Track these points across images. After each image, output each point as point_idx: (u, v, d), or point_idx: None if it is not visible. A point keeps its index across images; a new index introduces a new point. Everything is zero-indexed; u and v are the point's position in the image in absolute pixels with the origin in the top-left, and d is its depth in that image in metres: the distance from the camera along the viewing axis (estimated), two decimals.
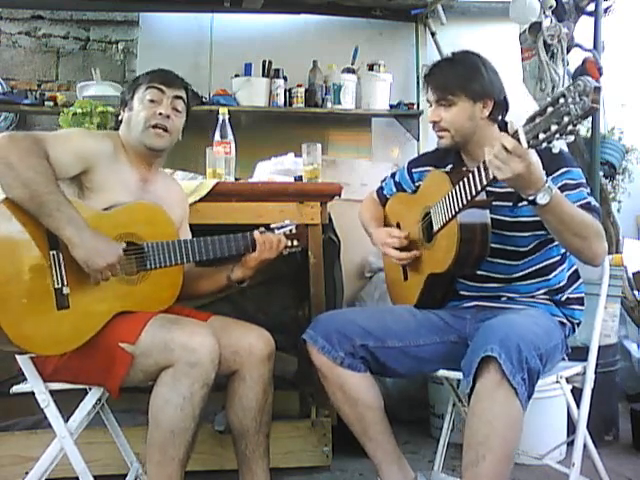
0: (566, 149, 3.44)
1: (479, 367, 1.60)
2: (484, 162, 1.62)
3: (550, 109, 1.42)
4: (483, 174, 1.65)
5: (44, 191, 1.64)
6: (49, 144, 1.72)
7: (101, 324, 1.75)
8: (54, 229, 1.65)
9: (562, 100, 1.39)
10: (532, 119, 1.47)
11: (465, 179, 1.71)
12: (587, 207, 1.75)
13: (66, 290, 1.69)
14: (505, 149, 1.51)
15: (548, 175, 1.78)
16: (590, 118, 3.52)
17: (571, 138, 1.43)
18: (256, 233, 1.96)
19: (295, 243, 2.04)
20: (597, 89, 1.34)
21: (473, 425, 1.60)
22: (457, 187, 1.74)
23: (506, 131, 1.53)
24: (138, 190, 1.92)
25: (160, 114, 1.90)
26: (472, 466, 1.57)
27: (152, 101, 1.91)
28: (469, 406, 1.63)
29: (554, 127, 1.41)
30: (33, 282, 1.66)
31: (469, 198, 1.71)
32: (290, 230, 2.03)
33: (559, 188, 1.76)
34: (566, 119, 1.39)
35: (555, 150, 1.48)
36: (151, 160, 1.97)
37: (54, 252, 1.69)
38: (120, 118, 1.98)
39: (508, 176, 1.53)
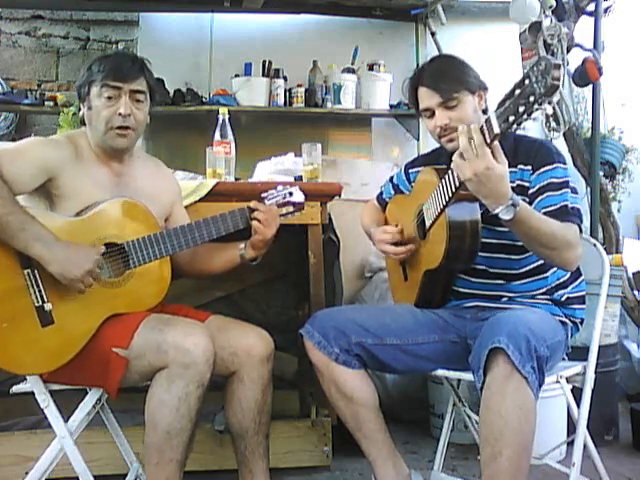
0: (565, 148, 3.49)
1: (488, 360, 1.60)
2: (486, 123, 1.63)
3: (517, 91, 1.47)
4: (487, 132, 1.64)
5: (2, 213, 1.60)
6: (2, 161, 1.67)
7: (91, 332, 1.73)
8: (22, 249, 1.62)
9: (527, 81, 1.44)
10: (502, 103, 1.50)
11: (450, 171, 1.72)
12: (564, 211, 1.77)
13: (48, 306, 1.67)
14: (460, 160, 1.57)
15: (536, 169, 1.82)
16: (590, 118, 3.53)
17: (540, 117, 1.47)
18: (252, 204, 1.94)
19: (290, 209, 2.01)
20: (557, 66, 1.39)
21: (487, 420, 1.59)
22: (443, 180, 1.75)
23: (490, 128, 1.54)
24: (113, 186, 1.86)
25: (120, 114, 1.81)
26: (490, 462, 1.57)
27: (110, 98, 1.81)
28: (481, 401, 1.62)
29: (522, 108, 1.45)
30: (12, 305, 1.64)
31: (454, 190, 1.71)
32: (283, 196, 2.00)
33: (543, 187, 1.81)
34: (532, 98, 1.43)
35: (524, 131, 1.52)
36: (121, 156, 1.91)
37: (28, 270, 1.66)
38: (81, 114, 1.89)
39: (468, 176, 1.57)
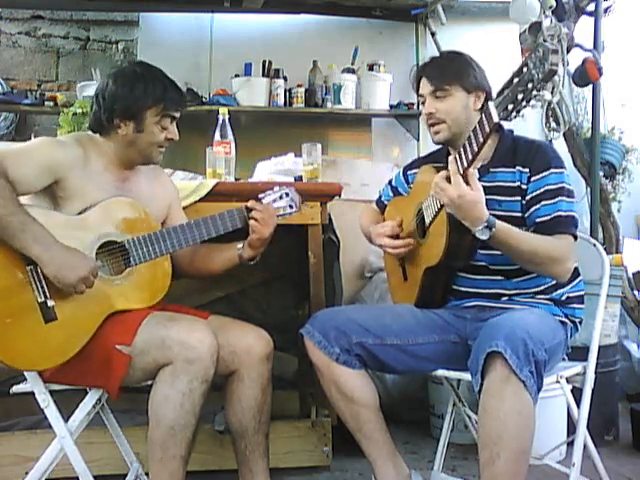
0: (565, 148, 3.49)
1: (486, 364, 1.60)
2: (463, 147, 1.66)
3: (516, 79, 1.49)
4: (464, 157, 1.67)
5: (3, 213, 1.61)
6: (8, 161, 1.68)
7: (93, 329, 1.73)
8: (21, 249, 1.64)
9: (525, 69, 1.47)
10: (501, 92, 1.53)
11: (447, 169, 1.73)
12: (557, 221, 1.79)
13: (50, 302, 1.68)
14: (440, 187, 1.69)
15: (533, 175, 1.84)
16: (590, 118, 3.53)
17: (537, 104, 1.49)
18: (250, 203, 1.96)
19: (287, 210, 2.02)
20: (555, 51, 1.41)
21: (485, 423, 1.60)
22: None
23: (489, 117, 1.55)
24: (115, 190, 1.88)
25: (172, 140, 1.90)
26: (488, 465, 1.58)
27: (165, 128, 1.88)
28: (480, 404, 1.62)
29: (520, 95, 1.48)
30: (15, 300, 1.65)
31: None
32: (280, 196, 2.01)
33: (538, 195, 1.82)
34: (530, 85, 1.46)
35: (523, 120, 1.55)
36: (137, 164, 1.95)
37: (31, 267, 1.67)
38: (116, 124, 1.84)
39: (444, 201, 1.69)
